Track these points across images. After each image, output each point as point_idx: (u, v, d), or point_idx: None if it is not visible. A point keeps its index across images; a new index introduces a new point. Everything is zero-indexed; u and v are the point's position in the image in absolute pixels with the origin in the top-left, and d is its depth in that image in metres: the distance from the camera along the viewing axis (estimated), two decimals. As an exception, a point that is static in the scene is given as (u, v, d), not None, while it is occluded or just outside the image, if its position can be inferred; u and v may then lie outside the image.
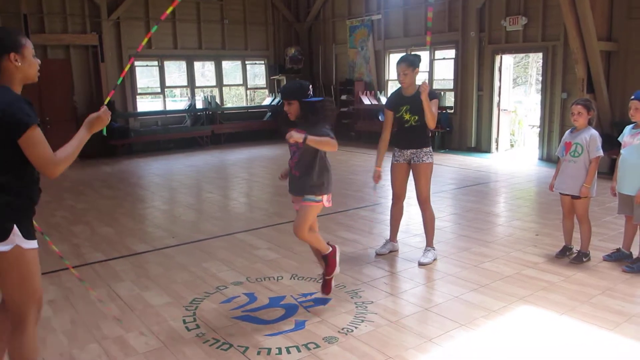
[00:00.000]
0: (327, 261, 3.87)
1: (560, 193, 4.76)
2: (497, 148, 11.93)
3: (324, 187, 3.73)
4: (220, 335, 3.48)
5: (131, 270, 4.83)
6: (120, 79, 3.28)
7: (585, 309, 3.75)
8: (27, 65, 2.43)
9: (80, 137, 2.50)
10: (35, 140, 2.30)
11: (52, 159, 2.34)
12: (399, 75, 4.59)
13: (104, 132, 2.80)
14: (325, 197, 3.74)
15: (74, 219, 6.83)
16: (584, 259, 4.68)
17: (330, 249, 3.87)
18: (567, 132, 4.75)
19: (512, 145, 12.73)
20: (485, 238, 5.49)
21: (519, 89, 20.87)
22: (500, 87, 11.71)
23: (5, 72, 2.37)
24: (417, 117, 4.60)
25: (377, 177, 4.81)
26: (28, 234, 2.41)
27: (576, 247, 4.83)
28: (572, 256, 4.78)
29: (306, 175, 3.68)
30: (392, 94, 4.90)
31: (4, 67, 2.36)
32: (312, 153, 3.65)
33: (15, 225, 2.35)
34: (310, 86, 3.70)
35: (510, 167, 10.15)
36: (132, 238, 5.89)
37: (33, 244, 2.44)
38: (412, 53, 5.03)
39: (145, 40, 2.93)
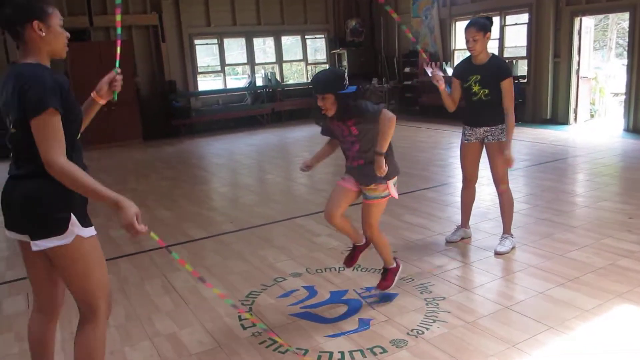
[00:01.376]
0: (386, 275, 3.56)
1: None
2: (575, 119, 11.03)
3: (393, 170, 3.30)
4: (278, 334, 3.20)
5: (187, 258, 4.62)
6: (117, 62, 2.59)
7: (697, 309, 3.21)
8: (52, 37, 2.14)
9: (103, 194, 2.06)
10: (45, 126, 2.00)
11: (55, 156, 2.00)
12: (467, 41, 4.05)
13: (115, 97, 2.48)
14: (391, 184, 3.32)
15: (135, 201, 6.73)
16: (690, 247, 4.08)
17: (395, 264, 3.56)
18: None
19: (592, 116, 11.76)
20: (569, 222, 4.92)
21: (596, 54, 19.40)
22: (579, 53, 10.76)
23: (31, 44, 2.11)
24: (487, 91, 4.07)
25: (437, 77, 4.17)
26: (85, 221, 2.20)
27: (680, 233, 4.22)
28: (675, 244, 4.18)
29: (370, 164, 3.23)
30: (461, 62, 4.38)
31: (27, 37, 2.10)
32: (373, 135, 3.21)
33: (72, 214, 2.13)
34: (346, 74, 3.21)
35: (591, 139, 9.31)
36: (189, 223, 5.72)
37: (91, 230, 2.23)
38: (483, 16, 4.47)
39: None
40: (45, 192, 2.10)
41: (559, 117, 11.08)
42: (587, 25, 10.81)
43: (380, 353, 2.93)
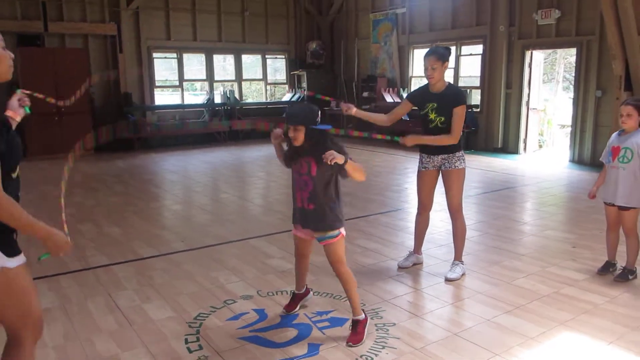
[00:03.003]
0: (357, 328, 3.33)
1: (605, 203, 4.30)
2: (525, 149, 11.40)
3: (342, 217, 3.33)
4: (225, 359, 3.12)
5: (134, 277, 4.50)
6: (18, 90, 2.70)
7: (636, 337, 3.31)
8: None
9: (32, 227, 2.04)
10: None
11: None
12: (426, 69, 4.14)
13: (28, 110, 2.52)
14: (341, 228, 3.33)
15: (81, 217, 6.54)
16: (630, 277, 4.23)
17: (363, 316, 3.37)
18: (614, 135, 4.29)
19: (540, 146, 12.18)
20: (517, 250, 5.05)
21: (545, 87, 20.18)
22: (530, 85, 11.17)
23: None
24: (443, 119, 4.15)
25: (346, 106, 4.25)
26: (11, 251, 2.10)
27: (620, 262, 4.38)
28: (616, 273, 4.33)
29: (324, 208, 3.23)
30: (418, 88, 4.49)
31: None
32: (328, 180, 3.23)
33: None
34: (319, 112, 3.24)
35: (539, 169, 9.64)
36: (139, 241, 5.56)
37: (19, 259, 2.13)
38: (442, 46, 4.59)
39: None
40: None
41: (510, 147, 11.43)
42: (538, 58, 11.26)
43: (329, 379, 2.89)
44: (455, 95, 4.16)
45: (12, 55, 2.18)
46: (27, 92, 2.58)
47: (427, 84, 4.27)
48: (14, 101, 2.52)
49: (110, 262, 4.87)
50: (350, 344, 3.22)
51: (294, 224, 3.50)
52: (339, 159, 3.02)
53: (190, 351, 3.23)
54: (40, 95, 2.91)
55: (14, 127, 2.40)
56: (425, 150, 4.34)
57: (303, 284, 3.75)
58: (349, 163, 3.10)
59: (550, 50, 15.72)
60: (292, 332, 3.45)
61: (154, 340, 3.38)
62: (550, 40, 10.55)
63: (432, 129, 4.21)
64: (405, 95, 13.13)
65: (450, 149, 4.22)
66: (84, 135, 3.17)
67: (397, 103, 13.22)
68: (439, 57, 4.09)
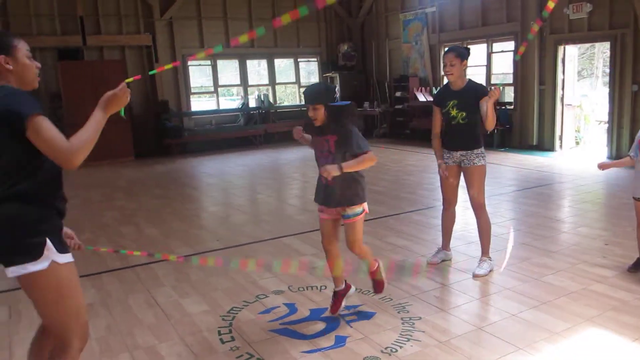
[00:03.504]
0: (376, 283, 3.78)
1: (634, 198, 4.28)
2: (561, 146, 11.24)
3: (363, 194, 3.42)
4: (255, 349, 3.27)
5: (172, 274, 4.71)
6: (154, 71, 3.09)
7: (664, 333, 3.31)
8: (20, 69, 2.21)
9: (96, 119, 2.19)
10: (41, 129, 2.03)
11: (67, 147, 2.03)
12: (445, 65, 4.23)
13: (122, 113, 2.47)
14: (364, 204, 3.45)
15: (123, 220, 6.83)
16: (661, 273, 4.20)
17: (377, 264, 3.72)
18: (643, 129, 4.27)
19: (577, 143, 11.96)
20: (547, 247, 5.04)
21: (584, 82, 19.75)
22: (564, 81, 11.01)
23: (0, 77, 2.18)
24: (464, 114, 4.22)
25: (443, 171, 4.40)
26: (62, 247, 2.21)
27: (652, 259, 4.34)
28: (646, 269, 4.29)
29: (344, 185, 3.33)
30: (439, 89, 4.56)
31: None
32: (348, 158, 3.31)
33: (47, 239, 2.13)
34: (337, 88, 3.35)
35: (575, 166, 9.49)
36: (176, 240, 5.80)
37: (68, 257, 2.23)
38: (462, 46, 4.65)
39: (244, 37, 2.62)
40: (17, 216, 2.11)
41: (545, 144, 11.28)
42: (571, 53, 11.09)
43: (354, 369, 3.01)
44: (476, 89, 4.24)
45: (39, 65, 2.31)
46: (131, 79, 2.61)
47: (448, 83, 4.35)
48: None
49: (149, 260, 5.10)
50: (377, 290, 3.76)
51: (317, 203, 3.53)
52: (333, 172, 3.15)
53: (222, 342, 3.40)
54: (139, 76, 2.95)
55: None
56: (446, 145, 4.41)
57: (341, 279, 3.70)
58: (345, 167, 3.19)
59: (587, 45, 15.43)
60: (320, 325, 3.58)
61: (189, 332, 3.56)
62: (583, 34, 10.38)
63: (454, 125, 4.28)
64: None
65: (468, 146, 4.28)
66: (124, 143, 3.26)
67: (430, 101, 13.24)
68: (457, 54, 4.17)
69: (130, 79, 2.56)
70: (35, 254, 2.10)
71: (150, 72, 3.08)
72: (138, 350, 3.34)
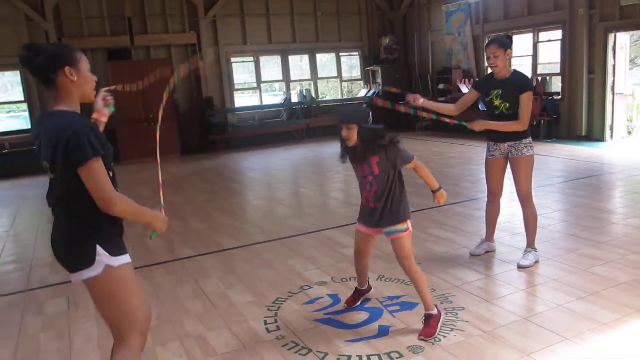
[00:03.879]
0: (429, 322, 3.34)
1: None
2: (611, 136, 10.88)
3: (408, 209, 3.41)
4: (300, 338, 3.35)
5: (218, 266, 4.85)
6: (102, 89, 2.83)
7: None
8: (82, 81, 2.29)
9: (142, 213, 2.32)
10: (92, 175, 2.14)
11: (110, 196, 2.17)
12: (489, 57, 4.18)
13: (112, 108, 2.72)
14: (409, 221, 3.41)
15: (170, 214, 6.96)
16: None
17: (436, 311, 3.37)
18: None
19: (629, 133, 11.55)
20: (596, 238, 4.92)
21: (637, 70, 19.01)
22: (614, 68, 10.65)
23: (62, 89, 2.26)
24: (508, 105, 4.17)
25: (413, 97, 4.29)
26: (115, 251, 2.30)
27: None
28: (702, 260, 4.15)
29: (389, 205, 3.32)
30: (483, 77, 4.52)
31: (60, 83, 2.25)
32: (392, 177, 3.32)
33: (98, 246, 2.24)
34: (370, 112, 3.34)
35: (627, 156, 9.18)
36: (222, 234, 5.95)
37: (124, 258, 2.33)
38: (504, 35, 4.57)
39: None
40: (70, 228, 2.25)
41: (595, 134, 10.95)
42: (622, 41, 10.70)
43: (397, 358, 3.04)
44: (520, 82, 4.17)
45: (96, 78, 2.39)
46: (110, 87, 2.72)
47: (492, 72, 4.30)
48: (98, 102, 2.61)
49: (196, 253, 5.26)
50: (422, 337, 3.24)
51: (359, 222, 3.55)
52: (445, 197, 3.50)
53: (268, 331, 3.49)
54: (120, 87, 3.09)
55: (101, 128, 2.57)
56: (492, 137, 4.36)
57: (365, 280, 3.77)
58: (435, 184, 3.49)
59: (639, 32, 14.84)
60: (363, 315, 3.63)
61: (235, 321, 3.66)
62: (635, 21, 10.00)
63: (497, 115, 4.23)
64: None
65: (516, 136, 4.22)
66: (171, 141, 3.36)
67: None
68: (500, 44, 4.11)
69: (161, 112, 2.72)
70: (88, 261, 2.23)
71: (176, 78, 3.07)
72: (188, 339, 3.47)
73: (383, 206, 3.34)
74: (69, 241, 2.26)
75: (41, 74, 2.25)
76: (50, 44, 2.31)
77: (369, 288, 3.85)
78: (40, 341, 3.59)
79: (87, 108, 2.43)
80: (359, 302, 3.80)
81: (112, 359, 2.40)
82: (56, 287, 4.57)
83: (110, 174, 2.30)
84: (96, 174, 2.15)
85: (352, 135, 3.27)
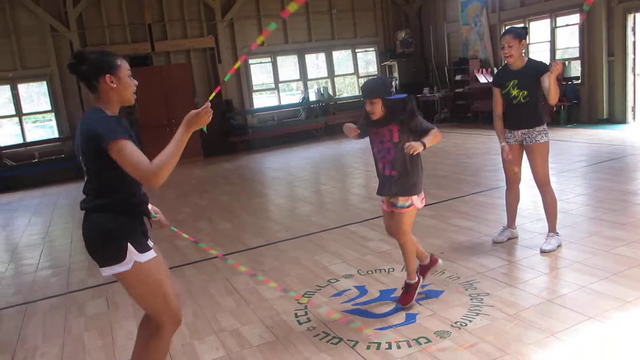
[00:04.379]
0: (409, 289, 3.63)
1: None
2: (634, 117, 10.79)
3: (419, 185, 3.49)
4: (331, 329, 3.48)
5: (247, 264, 4.99)
6: (228, 75, 3.07)
7: None
8: (122, 87, 2.44)
9: (178, 138, 2.39)
10: (124, 152, 2.27)
11: (148, 168, 2.28)
12: (503, 47, 4.26)
13: (205, 129, 2.59)
14: (418, 197, 3.50)
15: (197, 215, 7.24)
16: None
17: (416, 279, 3.64)
18: None
19: (652, 114, 11.42)
20: (618, 220, 4.95)
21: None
22: (635, 50, 10.54)
23: (103, 94, 2.42)
24: (525, 93, 4.24)
25: (506, 153, 4.41)
26: (142, 247, 2.46)
27: None
28: None
29: (404, 175, 3.43)
30: (498, 70, 4.58)
31: (101, 89, 2.41)
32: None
33: (129, 244, 2.40)
34: (393, 82, 3.42)
35: (650, 138, 9.12)
36: (248, 233, 6.10)
37: (151, 254, 2.48)
38: (519, 26, 4.62)
39: (261, 39, 2.82)
40: (104, 225, 2.39)
41: (616, 117, 10.86)
42: (642, 21, 10.59)
43: (425, 343, 3.15)
44: (537, 66, 4.25)
45: (137, 83, 2.54)
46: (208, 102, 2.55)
47: (507, 63, 4.37)
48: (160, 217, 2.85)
49: (225, 252, 5.42)
50: (400, 304, 3.47)
51: (379, 195, 3.64)
52: (419, 148, 3.26)
53: (300, 323, 3.62)
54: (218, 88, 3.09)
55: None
56: (507, 125, 4.43)
57: (422, 255, 3.79)
58: (427, 142, 3.31)
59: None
60: (390, 305, 3.74)
61: (268, 315, 3.81)
62: (655, 0, 9.91)
63: (515, 105, 4.30)
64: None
65: (530, 123, 4.29)
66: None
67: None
68: (515, 35, 4.19)
69: (212, 95, 2.69)
70: (120, 257, 2.39)
71: (226, 78, 3.20)
72: (223, 333, 3.62)
73: (398, 175, 3.44)
74: (103, 237, 2.41)
75: (85, 81, 2.42)
76: (94, 52, 2.45)
77: (435, 259, 3.85)
78: (85, 340, 3.78)
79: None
80: (425, 278, 3.81)
81: (147, 342, 2.60)
82: (95, 289, 4.77)
83: None
84: (127, 151, 2.27)
85: (377, 109, 3.35)
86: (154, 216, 2.78)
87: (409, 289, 3.64)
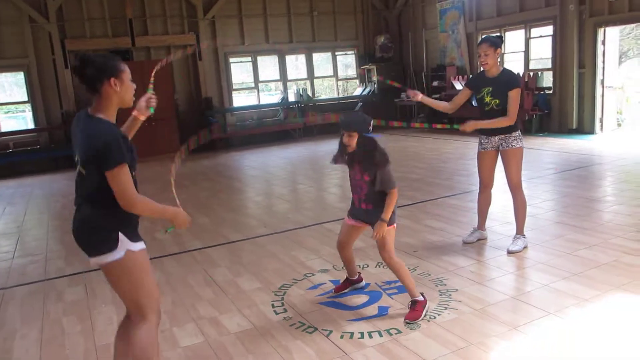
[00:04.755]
0: (415, 306, 3.56)
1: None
2: (601, 128, 11.20)
3: (393, 217, 3.57)
4: (306, 319, 3.63)
5: (226, 257, 5.11)
6: (149, 89, 2.93)
7: (691, 300, 3.49)
8: (124, 90, 2.53)
9: (163, 211, 2.61)
10: (118, 179, 2.40)
11: (133, 198, 2.44)
12: (480, 56, 4.48)
13: (152, 111, 2.85)
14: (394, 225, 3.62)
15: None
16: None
17: (422, 297, 3.60)
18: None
19: (619, 125, 11.87)
20: (582, 225, 5.21)
21: (631, 62, 19.32)
22: (604, 63, 10.95)
23: (104, 96, 2.49)
24: (498, 101, 4.46)
25: (413, 94, 4.55)
26: (134, 237, 2.57)
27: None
28: (680, 243, 4.43)
29: (379, 208, 3.49)
30: (474, 75, 4.81)
31: (103, 91, 2.48)
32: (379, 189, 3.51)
33: (120, 233, 2.50)
34: (372, 121, 3.52)
35: (616, 148, 9.48)
36: (227, 228, 6.21)
37: (141, 244, 2.60)
38: (495, 35, 4.84)
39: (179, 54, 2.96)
40: (96, 217, 2.50)
41: (585, 127, 11.26)
42: (612, 35, 11.01)
43: (396, 333, 3.32)
44: (509, 79, 4.46)
45: (135, 86, 2.60)
46: (153, 92, 2.86)
47: (483, 70, 4.58)
48: (141, 102, 2.82)
49: (204, 245, 5.52)
50: (408, 320, 3.46)
51: (349, 217, 3.78)
52: (383, 230, 3.45)
53: (276, 313, 3.77)
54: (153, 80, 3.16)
55: (138, 125, 2.88)
56: (484, 132, 4.64)
57: (354, 271, 4.02)
58: (386, 217, 3.45)
59: (633, 25, 15.13)
60: (364, 298, 3.90)
61: (245, 305, 3.94)
62: (624, 15, 10.31)
63: (487, 111, 4.51)
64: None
65: (507, 130, 4.50)
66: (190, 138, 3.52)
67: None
68: (490, 44, 4.40)
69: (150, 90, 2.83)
70: (111, 246, 2.49)
71: (148, 90, 3.15)
72: (202, 320, 3.74)
73: (373, 208, 3.55)
74: (95, 229, 2.50)
75: (89, 84, 2.48)
76: (98, 56, 2.52)
77: (360, 278, 4.09)
78: (64, 324, 3.86)
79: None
80: (347, 290, 4.03)
81: (132, 334, 2.61)
82: (73, 277, 4.84)
83: (134, 173, 2.56)
84: (120, 179, 2.40)
85: (352, 142, 3.47)
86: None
87: (415, 306, 3.55)
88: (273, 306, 3.89)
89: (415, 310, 3.52)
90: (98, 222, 2.50)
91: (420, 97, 4.58)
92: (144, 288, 2.60)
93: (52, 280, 4.85)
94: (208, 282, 4.47)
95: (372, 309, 3.71)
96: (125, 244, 2.50)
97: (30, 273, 5.13)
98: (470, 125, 4.50)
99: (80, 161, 2.50)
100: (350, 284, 4.07)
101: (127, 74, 2.55)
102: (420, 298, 3.59)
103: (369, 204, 3.58)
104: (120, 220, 2.52)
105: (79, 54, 2.58)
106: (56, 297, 4.41)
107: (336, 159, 3.70)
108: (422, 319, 3.46)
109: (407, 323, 3.45)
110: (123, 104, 2.58)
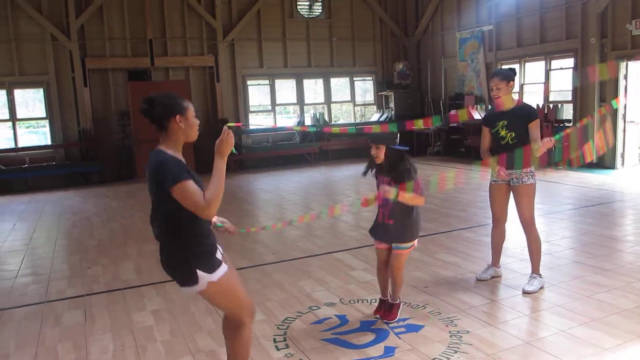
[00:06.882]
0: (391, 308, 3.98)
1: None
2: (622, 164, 10.93)
3: (416, 232, 3.83)
4: (308, 357, 3.46)
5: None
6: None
7: None
8: (189, 126, 2.68)
9: (216, 167, 2.63)
10: (183, 194, 2.51)
11: (202, 204, 2.52)
12: (491, 90, 4.36)
13: (234, 151, 2.86)
14: (415, 241, 3.85)
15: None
16: None
17: (399, 301, 4.00)
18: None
19: (641, 161, 11.58)
20: (602, 265, 4.99)
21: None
22: (626, 97, 10.74)
23: (170, 132, 2.66)
24: (513, 134, 4.32)
25: (504, 172, 4.38)
26: (212, 268, 2.69)
27: None
28: None
29: (401, 224, 3.75)
30: (488, 110, 4.67)
31: (170, 127, 2.65)
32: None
33: (197, 270, 2.64)
34: (398, 135, 3.74)
35: (638, 185, 9.22)
36: (234, 253, 6.06)
37: (221, 270, 2.72)
38: (508, 67, 4.68)
39: None
40: (175, 257, 2.68)
41: (606, 162, 11.01)
42: (635, 69, 10.81)
43: (402, 378, 3.14)
44: (527, 112, 4.34)
45: (198, 122, 2.74)
46: (233, 124, 2.89)
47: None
48: (228, 226, 3.06)
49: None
50: (387, 320, 3.88)
51: (374, 238, 3.96)
52: (390, 194, 3.52)
53: (277, 349, 3.60)
54: (240, 124, 3.40)
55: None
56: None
57: (387, 291, 4.07)
58: (400, 196, 3.54)
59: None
60: (370, 336, 3.73)
61: (246, 339, 3.77)
62: (648, 50, 10.13)
63: (504, 145, 4.36)
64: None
65: (518, 165, 4.35)
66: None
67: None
68: (502, 77, 4.27)
69: (232, 124, 2.84)
70: (194, 281, 2.67)
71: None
72: (200, 354, 3.59)
73: (395, 224, 3.74)
74: (177, 267, 2.71)
75: (157, 122, 2.66)
76: (164, 96, 2.68)
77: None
78: (59, 351, 3.73)
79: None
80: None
81: (233, 338, 2.90)
82: (73, 300, 4.72)
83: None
84: (186, 193, 2.52)
85: (380, 153, 3.68)
86: (219, 226, 3.00)
87: (391, 308, 3.96)
88: (275, 341, 3.73)
89: (392, 313, 3.94)
90: (178, 260, 2.67)
91: (503, 171, 4.39)
92: (233, 302, 2.82)
93: (52, 302, 4.74)
94: (210, 311, 4.32)
95: (378, 349, 3.53)
96: (204, 279, 2.65)
97: (30, 293, 5.03)
98: (502, 174, 4.36)
99: (149, 191, 2.67)
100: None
101: (191, 111, 2.70)
102: (398, 301, 3.98)
103: (391, 219, 3.75)
104: (195, 256, 2.65)
105: (145, 97, 2.71)
106: (54, 321, 4.29)
107: (367, 171, 3.90)
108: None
109: (387, 323, 3.88)
110: (188, 138, 2.72)
